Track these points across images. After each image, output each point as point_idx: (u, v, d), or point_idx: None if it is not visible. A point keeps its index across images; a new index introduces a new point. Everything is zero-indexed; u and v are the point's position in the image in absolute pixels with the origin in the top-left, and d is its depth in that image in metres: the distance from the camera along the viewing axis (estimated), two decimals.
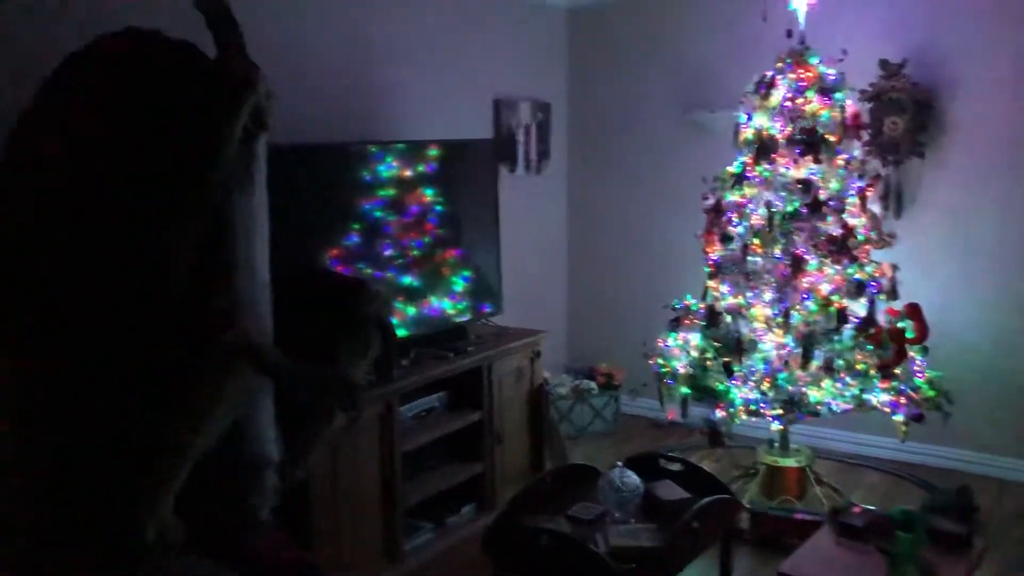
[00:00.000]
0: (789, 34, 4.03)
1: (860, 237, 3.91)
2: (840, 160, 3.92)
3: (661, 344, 4.19)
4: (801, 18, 4.07)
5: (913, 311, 3.85)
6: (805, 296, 3.78)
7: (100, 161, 2.31)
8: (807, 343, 3.73)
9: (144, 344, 2.23)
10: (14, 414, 2.30)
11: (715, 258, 4.16)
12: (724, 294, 4.06)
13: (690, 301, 4.23)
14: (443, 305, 4.26)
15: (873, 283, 3.84)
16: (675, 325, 4.22)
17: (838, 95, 3.95)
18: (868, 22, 4.73)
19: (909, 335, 3.81)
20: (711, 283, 4.20)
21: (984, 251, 4.60)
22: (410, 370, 3.87)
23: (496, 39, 5.15)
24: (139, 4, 3.02)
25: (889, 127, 4.67)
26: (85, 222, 2.29)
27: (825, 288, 3.80)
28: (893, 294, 3.91)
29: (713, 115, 5.03)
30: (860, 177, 4.01)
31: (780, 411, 3.80)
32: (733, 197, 4.09)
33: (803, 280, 3.79)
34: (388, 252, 3.99)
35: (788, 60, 3.97)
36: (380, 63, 4.42)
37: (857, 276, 3.80)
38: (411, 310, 4.08)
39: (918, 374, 3.88)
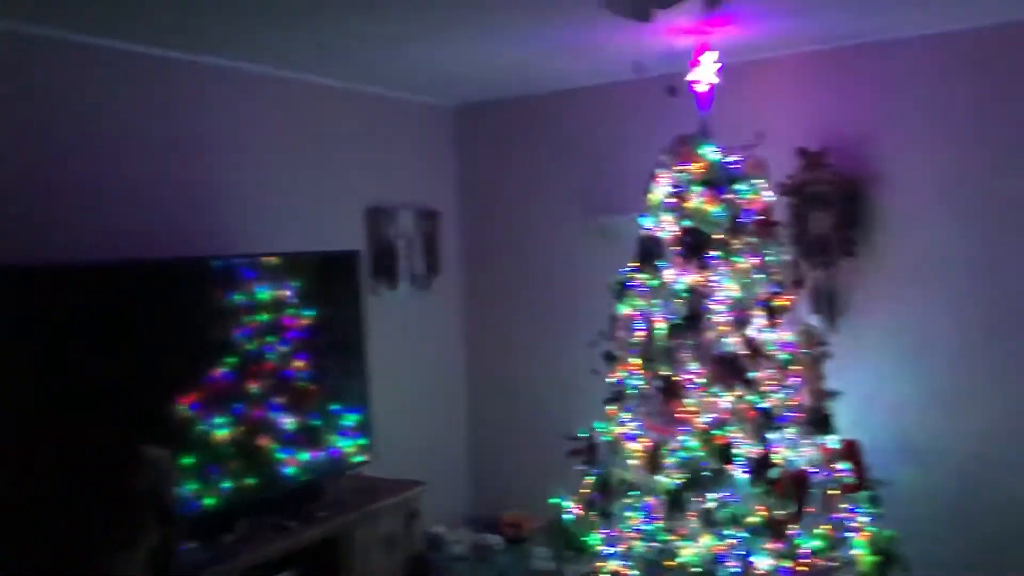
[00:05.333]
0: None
1: (784, 356, 3.42)
2: (745, 264, 3.46)
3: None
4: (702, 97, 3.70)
5: (849, 450, 3.31)
6: (682, 429, 3.26)
7: None
8: (681, 487, 3.19)
9: None
10: None
11: (617, 380, 3.69)
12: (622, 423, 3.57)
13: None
14: (287, 459, 3.70)
15: (789, 413, 3.31)
16: (574, 459, 3.73)
17: (741, 187, 3.54)
18: (786, 106, 4.38)
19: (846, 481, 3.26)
20: (611, 409, 3.70)
21: (939, 365, 4.07)
22: (234, 549, 3.25)
23: (369, 141, 4.75)
24: None
25: (815, 224, 4.26)
26: None
27: (704, 419, 3.28)
28: (823, 427, 3.37)
29: (619, 218, 4.62)
30: (779, 284, 3.55)
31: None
32: (624, 310, 3.64)
33: (677, 409, 3.28)
34: (223, 387, 3.50)
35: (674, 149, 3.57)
36: (222, 166, 4.00)
37: (764, 405, 3.27)
38: (247, 466, 3.54)
39: (855, 532, 3.29)
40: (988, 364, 3.99)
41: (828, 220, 4.22)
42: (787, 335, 3.46)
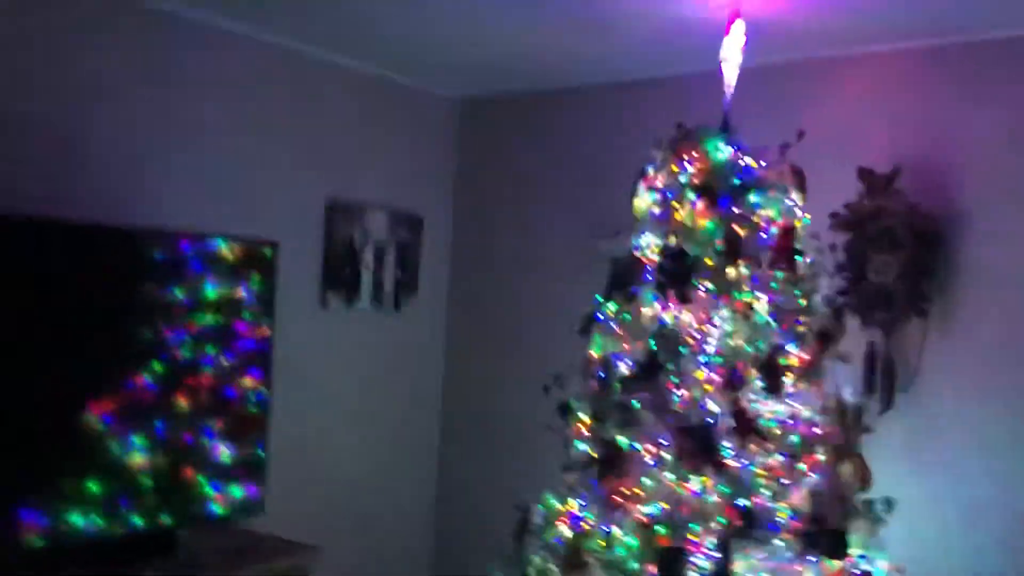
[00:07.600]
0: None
1: (794, 437, 2.49)
2: (751, 303, 2.54)
3: None
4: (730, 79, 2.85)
5: None
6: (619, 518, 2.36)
7: None
8: None
9: None
10: None
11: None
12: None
13: None
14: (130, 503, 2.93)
15: (782, 520, 2.35)
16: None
17: (757, 200, 2.63)
18: (847, 113, 3.46)
19: None
20: (568, 478, 2.82)
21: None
22: None
23: (348, 125, 4.00)
24: None
25: (876, 270, 3.30)
26: None
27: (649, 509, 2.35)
28: (832, 546, 2.36)
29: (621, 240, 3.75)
30: (797, 335, 2.62)
31: None
32: (595, 352, 2.76)
33: (616, 489, 2.37)
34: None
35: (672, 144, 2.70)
36: (151, 125, 3.32)
37: (745, 501, 2.31)
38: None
39: None
40: None
41: (894, 266, 3.25)
42: (803, 409, 2.53)
